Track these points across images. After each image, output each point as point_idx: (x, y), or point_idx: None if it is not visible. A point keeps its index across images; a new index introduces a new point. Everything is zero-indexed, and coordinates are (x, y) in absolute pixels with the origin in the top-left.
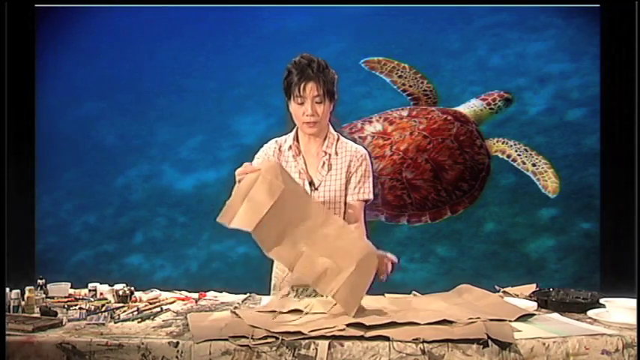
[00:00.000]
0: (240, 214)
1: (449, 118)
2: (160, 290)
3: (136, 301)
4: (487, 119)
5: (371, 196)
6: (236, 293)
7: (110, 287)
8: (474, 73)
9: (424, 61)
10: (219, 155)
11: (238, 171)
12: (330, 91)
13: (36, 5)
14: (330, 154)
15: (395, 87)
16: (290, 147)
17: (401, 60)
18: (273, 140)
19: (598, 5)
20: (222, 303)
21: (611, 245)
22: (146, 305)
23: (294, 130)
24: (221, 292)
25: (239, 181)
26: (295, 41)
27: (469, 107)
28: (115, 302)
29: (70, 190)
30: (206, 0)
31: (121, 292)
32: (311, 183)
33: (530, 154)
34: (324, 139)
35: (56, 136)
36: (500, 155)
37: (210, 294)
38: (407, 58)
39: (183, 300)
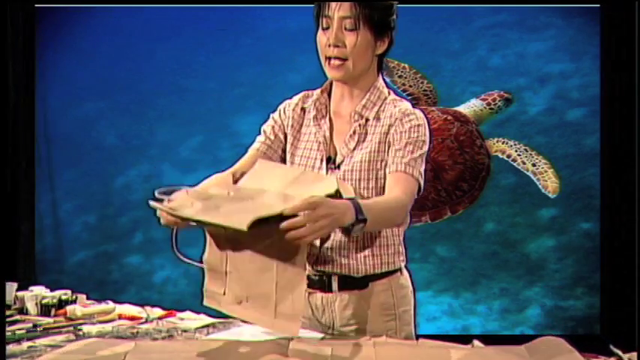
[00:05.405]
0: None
1: (449, 118)
2: (139, 303)
3: (63, 315)
4: (487, 119)
5: (413, 172)
6: None
7: (50, 291)
8: (473, 73)
9: (424, 61)
10: (219, 155)
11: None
12: (373, 18)
13: (36, 5)
14: (367, 119)
15: (395, 87)
16: (315, 103)
17: (401, 60)
18: (303, 93)
19: (598, 5)
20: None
21: (611, 245)
22: (61, 322)
23: (328, 81)
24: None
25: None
26: (295, 41)
27: (469, 107)
28: (35, 315)
29: (69, 190)
30: (206, 0)
31: (44, 301)
32: (329, 159)
33: (530, 154)
34: (366, 94)
35: (56, 136)
36: (500, 155)
37: (186, 314)
38: (407, 58)
39: (128, 320)
